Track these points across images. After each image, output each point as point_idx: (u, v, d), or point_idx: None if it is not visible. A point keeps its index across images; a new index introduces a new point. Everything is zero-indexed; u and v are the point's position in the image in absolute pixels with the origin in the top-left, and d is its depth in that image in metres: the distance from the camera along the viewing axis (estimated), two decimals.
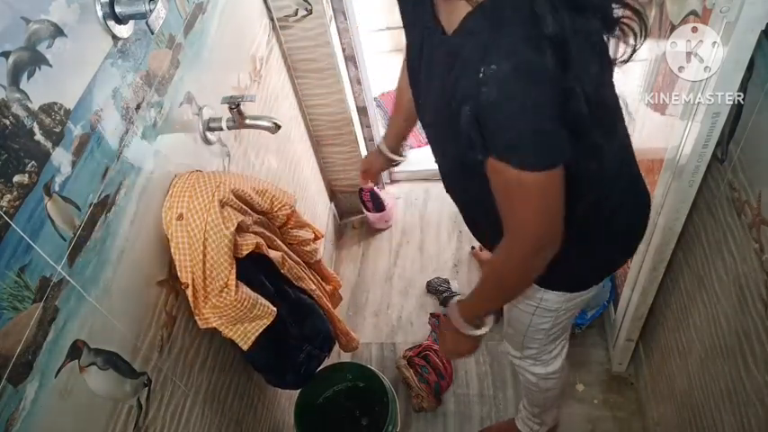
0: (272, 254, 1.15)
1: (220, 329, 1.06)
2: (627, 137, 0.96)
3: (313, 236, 1.36)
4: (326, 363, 1.45)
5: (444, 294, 2.02)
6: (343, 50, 1.93)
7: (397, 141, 1.31)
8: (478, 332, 1.05)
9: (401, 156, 1.33)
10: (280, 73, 1.74)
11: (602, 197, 0.93)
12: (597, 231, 0.98)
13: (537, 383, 1.35)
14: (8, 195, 0.66)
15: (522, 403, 1.55)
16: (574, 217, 0.84)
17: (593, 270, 1.06)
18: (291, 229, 1.29)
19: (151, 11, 0.86)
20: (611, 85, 0.86)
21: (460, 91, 0.75)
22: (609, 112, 0.85)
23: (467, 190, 1.00)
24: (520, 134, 0.74)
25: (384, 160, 1.34)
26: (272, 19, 1.69)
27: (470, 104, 0.73)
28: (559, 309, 1.10)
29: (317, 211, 2.10)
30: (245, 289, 1.05)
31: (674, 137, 1.13)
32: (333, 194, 2.34)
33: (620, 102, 0.90)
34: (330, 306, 1.43)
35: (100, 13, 0.84)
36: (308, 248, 1.35)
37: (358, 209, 2.35)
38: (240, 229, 1.04)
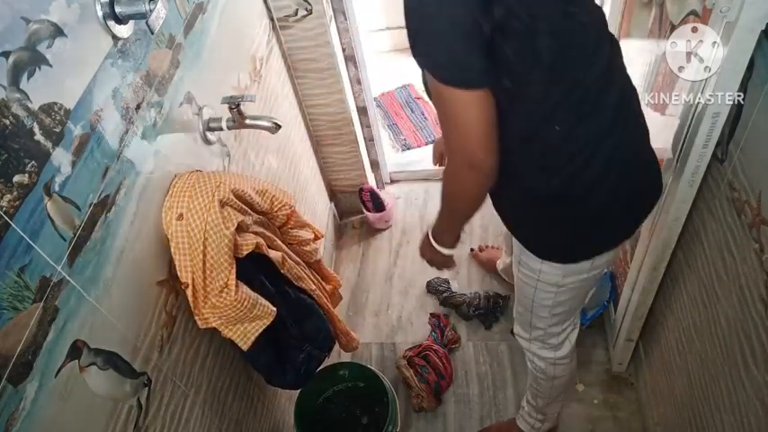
0: (272, 254, 1.15)
1: (220, 329, 1.06)
2: (603, 96, 0.90)
3: (313, 236, 1.36)
4: (326, 363, 1.45)
5: (444, 294, 2.02)
6: (343, 50, 1.93)
7: None
8: (443, 250, 1.14)
9: None
10: (280, 73, 1.74)
11: (541, 136, 0.91)
12: (559, 196, 0.97)
13: (545, 370, 1.36)
14: (8, 195, 0.66)
15: (525, 398, 1.55)
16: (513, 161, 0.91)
17: (577, 242, 1.07)
18: (291, 228, 1.29)
19: (151, 11, 0.86)
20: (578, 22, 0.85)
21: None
22: (551, 45, 0.82)
23: None
24: (432, 45, 0.79)
25: None
26: (272, 19, 1.69)
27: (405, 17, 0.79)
28: (558, 284, 1.12)
29: (317, 211, 2.10)
30: (245, 289, 1.05)
31: (674, 137, 1.13)
32: (333, 194, 2.34)
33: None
34: (330, 306, 1.43)
35: (100, 13, 0.84)
36: (307, 248, 1.35)
37: (358, 209, 2.35)
38: (240, 229, 1.04)
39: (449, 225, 1.11)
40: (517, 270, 1.20)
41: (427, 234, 1.15)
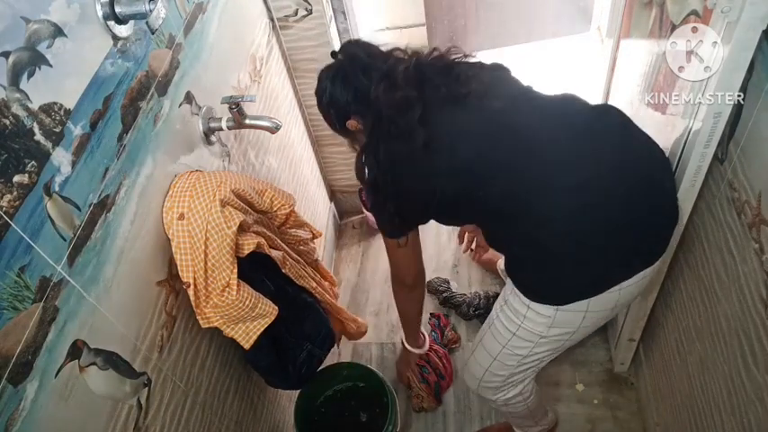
0: (274, 253, 1.15)
1: (222, 329, 1.06)
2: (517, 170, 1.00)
3: (311, 235, 1.36)
4: (326, 363, 1.45)
5: (444, 294, 2.02)
6: None
7: None
8: (414, 350, 1.63)
9: None
10: (280, 73, 1.74)
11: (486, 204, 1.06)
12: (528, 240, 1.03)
13: (498, 407, 1.35)
14: (8, 195, 0.66)
15: None
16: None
17: (564, 278, 1.03)
18: (290, 228, 1.29)
19: (151, 11, 0.86)
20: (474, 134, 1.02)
21: None
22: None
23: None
24: (378, 219, 1.15)
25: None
26: (272, 19, 1.69)
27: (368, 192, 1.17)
28: (541, 334, 1.10)
29: (317, 211, 2.10)
30: (246, 288, 1.05)
31: (675, 137, 1.13)
32: (333, 194, 2.33)
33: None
34: (332, 300, 1.43)
35: (100, 13, 0.84)
36: (305, 248, 1.35)
37: (358, 209, 2.35)
38: (241, 228, 1.04)
39: (405, 326, 1.55)
40: (499, 309, 1.18)
41: (402, 343, 1.62)
